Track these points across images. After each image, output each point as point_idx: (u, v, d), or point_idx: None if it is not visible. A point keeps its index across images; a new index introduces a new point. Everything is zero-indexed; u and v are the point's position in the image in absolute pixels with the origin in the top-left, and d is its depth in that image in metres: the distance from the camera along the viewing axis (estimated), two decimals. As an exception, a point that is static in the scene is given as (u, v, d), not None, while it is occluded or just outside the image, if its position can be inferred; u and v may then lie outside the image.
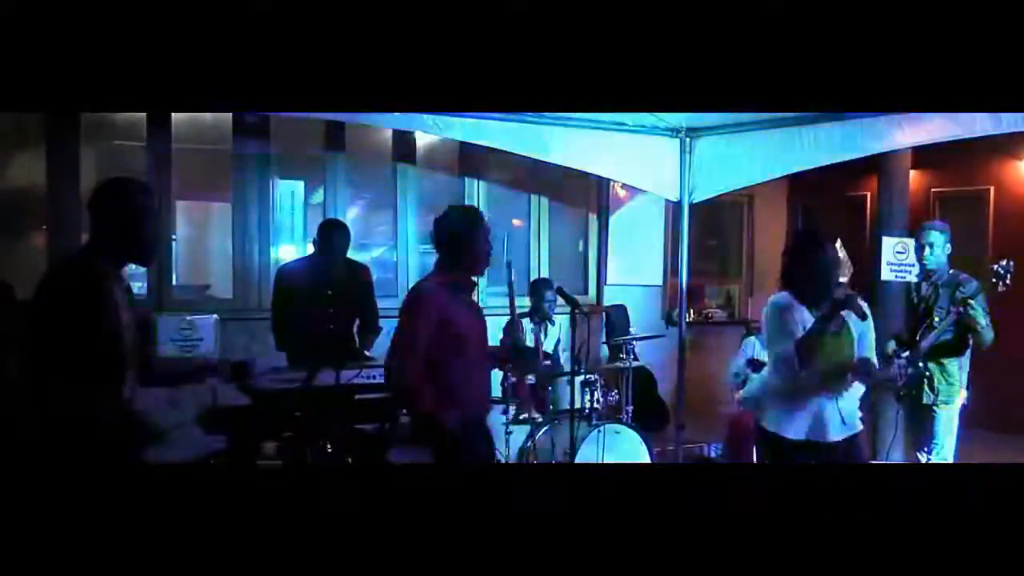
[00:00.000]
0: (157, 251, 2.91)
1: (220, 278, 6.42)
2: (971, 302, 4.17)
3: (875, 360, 3.59)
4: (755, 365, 5.62)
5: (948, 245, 4.54)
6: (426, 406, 3.24)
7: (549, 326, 5.85)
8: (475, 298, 3.69)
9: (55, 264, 2.83)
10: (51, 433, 2.64)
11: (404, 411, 3.51)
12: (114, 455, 2.68)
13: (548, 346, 5.78)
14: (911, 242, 4.88)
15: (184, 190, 6.24)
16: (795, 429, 3.43)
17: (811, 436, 3.42)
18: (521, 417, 5.13)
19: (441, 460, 3.26)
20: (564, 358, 5.91)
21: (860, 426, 3.55)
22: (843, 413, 3.46)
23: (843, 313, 3.38)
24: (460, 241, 3.40)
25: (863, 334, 3.51)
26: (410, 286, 6.50)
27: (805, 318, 3.42)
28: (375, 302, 5.11)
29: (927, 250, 4.53)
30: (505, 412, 5.05)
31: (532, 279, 6.19)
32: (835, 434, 3.44)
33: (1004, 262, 4.09)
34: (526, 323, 5.67)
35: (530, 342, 5.36)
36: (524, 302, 5.83)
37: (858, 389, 3.53)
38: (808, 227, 3.58)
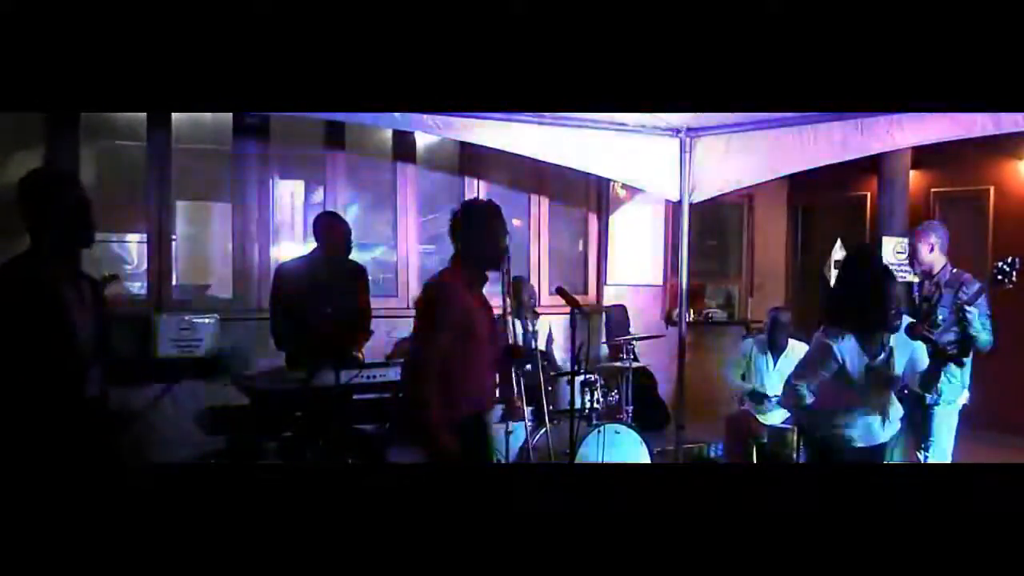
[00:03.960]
0: (91, 232, 2.85)
1: (220, 278, 6.42)
2: (967, 308, 4.16)
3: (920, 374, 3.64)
4: (756, 398, 5.62)
5: (933, 245, 4.54)
6: (428, 406, 3.21)
7: (536, 321, 5.86)
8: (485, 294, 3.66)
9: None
10: (17, 435, 2.64)
11: (405, 409, 3.42)
12: (85, 452, 2.69)
13: (541, 344, 5.78)
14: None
15: (184, 190, 6.23)
16: (848, 438, 3.59)
17: (860, 442, 3.60)
18: (510, 418, 5.11)
19: (433, 460, 3.23)
20: (561, 357, 5.92)
21: (899, 424, 3.74)
22: (886, 419, 3.65)
23: (890, 343, 3.53)
24: (478, 236, 3.38)
25: (913, 352, 3.60)
26: (410, 285, 6.59)
27: (854, 355, 3.49)
28: (369, 305, 5.10)
29: (914, 252, 4.57)
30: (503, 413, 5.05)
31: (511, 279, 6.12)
32: (882, 438, 3.65)
33: (1010, 259, 4.05)
34: (517, 323, 5.67)
35: (523, 341, 5.36)
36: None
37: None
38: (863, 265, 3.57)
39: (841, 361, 3.47)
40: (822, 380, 3.56)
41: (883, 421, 3.63)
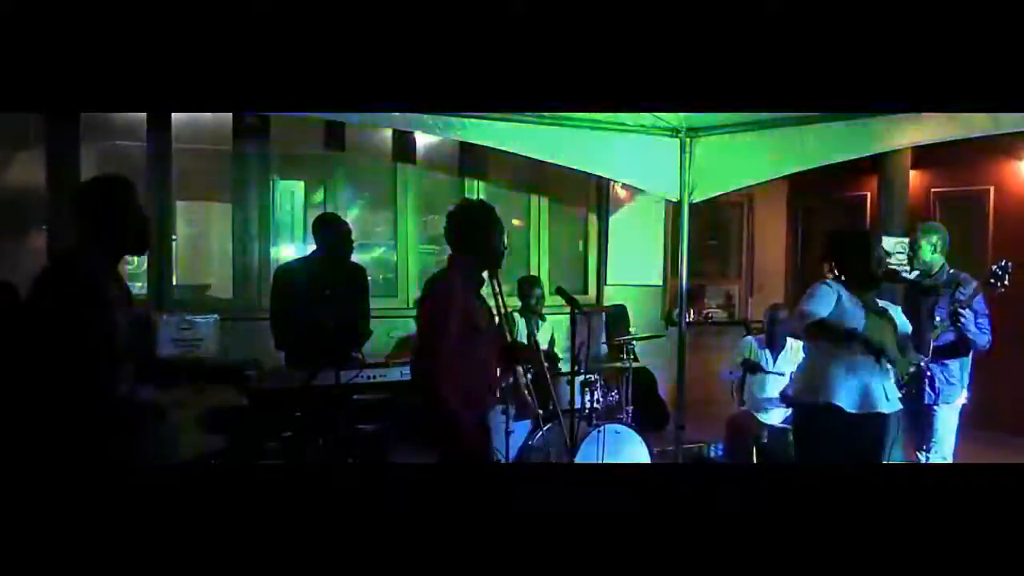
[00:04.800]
0: (149, 242, 2.98)
1: (220, 278, 6.42)
2: (961, 311, 4.17)
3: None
4: (749, 366, 5.62)
5: (936, 245, 4.55)
6: (450, 404, 3.21)
7: (541, 323, 5.86)
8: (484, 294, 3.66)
9: (48, 264, 2.85)
10: (49, 431, 2.67)
11: (424, 408, 3.39)
12: (114, 451, 2.71)
13: (543, 343, 5.78)
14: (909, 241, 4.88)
15: (184, 190, 6.24)
16: (850, 401, 3.68)
17: (863, 408, 3.70)
18: (520, 417, 5.11)
19: (449, 458, 3.24)
20: (563, 358, 5.92)
21: (900, 405, 3.84)
22: (887, 390, 3.77)
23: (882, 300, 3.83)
24: (474, 237, 3.38)
25: (898, 321, 3.86)
26: (410, 286, 6.59)
27: (850, 302, 3.73)
28: (369, 305, 5.10)
29: (916, 251, 4.58)
30: (505, 412, 5.04)
31: (518, 278, 6.15)
32: (883, 407, 3.75)
33: (1003, 263, 4.07)
34: (520, 321, 5.67)
35: (524, 340, 5.36)
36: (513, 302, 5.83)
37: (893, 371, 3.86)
38: (857, 227, 3.89)
39: (838, 294, 3.70)
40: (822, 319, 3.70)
41: (883, 387, 3.72)
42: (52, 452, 2.65)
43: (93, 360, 2.71)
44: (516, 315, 5.69)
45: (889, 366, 3.77)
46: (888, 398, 3.76)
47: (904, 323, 3.89)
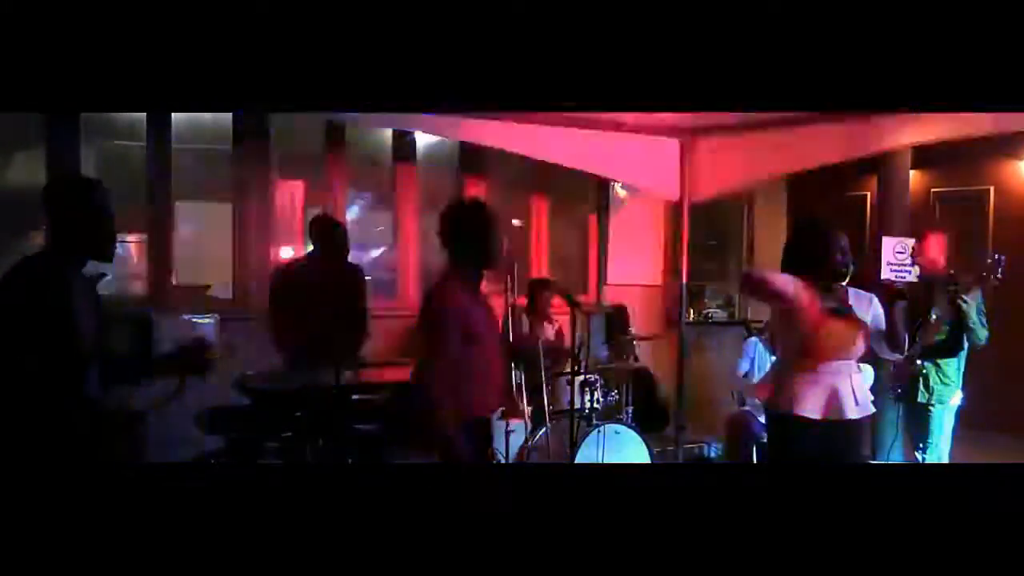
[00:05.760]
0: (114, 247, 2.89)
1: (220, 278, 6.42)
2: (964, 296, 4.16)
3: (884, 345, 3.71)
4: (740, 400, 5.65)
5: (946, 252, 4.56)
6: (447, 425, 3.18)
7: (548, 326, 5.86)
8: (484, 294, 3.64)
9: (13, 266, 2.81)
10: (15, 433, 2.67)
11: (420, 414, 3.37)
12: (81, 453, 2.70)
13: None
14: (911, 242, 4.88)
15: (184, 190, 6.23)
16: (815, 409, 3.51)
17: (828, 415, 3.51)
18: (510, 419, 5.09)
19: (442, 460, 3.23)
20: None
21: (872, 408, 3.64)
22: (856, 393, 3.56)
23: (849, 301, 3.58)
24: (470, 237, 3.32)
25: (874, 314, 3.63)
26: (410, 286, 6.59)
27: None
28: (366, 305, 5.10)
29: (927, 250, 4.58)
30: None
31: (530, 279, 6.19)
32: (850, 413, 3.54)
33: (995, 255, 4.09)
34: (523, 321, 5.68)
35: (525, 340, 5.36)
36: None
37: (868, 372, 3.72)
38: (808, 217, 3.74)
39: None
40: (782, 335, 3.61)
41: (851, 390, 3.54)
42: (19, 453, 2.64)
43: (44, 359, 2.67)
44: (524, 316, 5.70)
45: (859, 368, 3.61)
46: (858, 402, 3.56)
47: (877, 314, 3.65)
